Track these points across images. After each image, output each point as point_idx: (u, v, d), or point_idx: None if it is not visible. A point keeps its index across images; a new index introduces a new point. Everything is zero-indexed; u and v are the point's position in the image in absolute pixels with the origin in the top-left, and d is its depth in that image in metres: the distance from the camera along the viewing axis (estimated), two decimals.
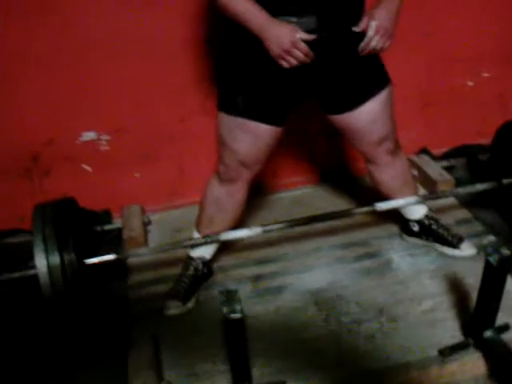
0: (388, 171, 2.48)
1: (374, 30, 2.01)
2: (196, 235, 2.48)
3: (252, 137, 2.22)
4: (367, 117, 2.27)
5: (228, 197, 2.39)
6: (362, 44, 2.04)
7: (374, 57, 2.20)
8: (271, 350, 2.17)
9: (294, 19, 1.96)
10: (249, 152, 2.26)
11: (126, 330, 2.31)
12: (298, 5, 1.96)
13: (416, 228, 2.66)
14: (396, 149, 2.44)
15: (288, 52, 1.93)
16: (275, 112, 2.21)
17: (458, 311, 2.26)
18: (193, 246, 2.48)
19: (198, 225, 2.50)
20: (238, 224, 2.49)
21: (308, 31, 1.96)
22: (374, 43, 2.03)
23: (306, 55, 1.95)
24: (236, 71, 2.19)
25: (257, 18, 1.93)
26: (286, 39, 1.91)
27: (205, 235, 2.42)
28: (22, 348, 2.29)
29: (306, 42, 1.95)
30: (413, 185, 2.61)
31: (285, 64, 1.96)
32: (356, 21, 2.08)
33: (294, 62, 1.95)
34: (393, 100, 2.33)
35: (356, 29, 2.03)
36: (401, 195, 2.50)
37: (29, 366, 2.23)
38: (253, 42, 1.97)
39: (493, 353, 2.01)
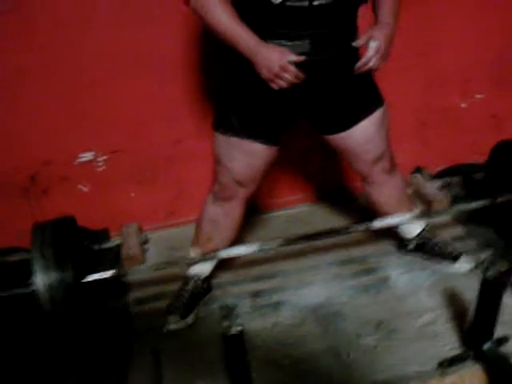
0: (384, 190, 2.50)
1: (373, 51, 2.04)
2: (193, 253, 2.49)
3: (247, 156, 2.23)
4: (361, 137, 2.29)
5: (224, 216, 2.40)
6: (360, 63, 2.07)
7: (367, 77, 2.24)
8: (269, 366, 2.17)
9: (288, 43, 1.99)
10: (244, 171, 2.28)
11: (127, 346, 2.31)
12: (292, 29, 1.99)
13: (412, 245, 2.68)
14: (391, 167, 2.46)
15: (277, 75, 1.95)
16: (270, 131, 2.23)
17: (456, 324, 2.27)
18: (192, 264, 2.49)
19: (194, 243, 2.51)
20: (236, 242, 2.49)
21: (301, 54, 1.98)
22: (371, 64, 2.06)
23: (295, 77, 1.97)
24: (231, 91, 2.22)
25: (246, 42, 1.95)
26: (275, 63, 1.93)
27: (203, 253, 2.44)
28: (21, 366, 2.29)
29: (298, 63, 1.97)
30: (408, 203, 2.62)
31: (275, 86, 1.98)
32: (349, 44, 2.11)
33: (283, 84, 1.97)
34: (387, 119, 2.35)
35: (355, 44, 2.06)
36: (397, 213, 2.52)
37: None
38: (246, 62, 1.99)
39: (492, 365, 2.01)
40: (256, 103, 2.15)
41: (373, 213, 2.58)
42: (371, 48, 2.04)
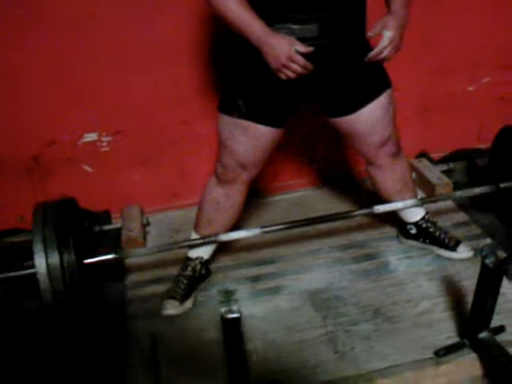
0: (388, 173, 2.49)
1: (387, 41, 2.02)
2: (194, 236, 2.50)
3: (252, 139, 2.23)
4: (368, 119, 2.29)
5: (226, 198, 2.40)
6: (373, 53, 2.05)
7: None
8: (268, 350, 2.18)
9: (296, 26, 1.98)
10: (248, 153, 2.27)
11: (124, 330, 2.32)
12: (301, 13, 1.97)
13: (413, 231, 2.68)
14: (397, 151, 2.45)
15: (285, 66, 1.94)
16: (276, 114, 2.23)
17: (453, 313, 2.28)
18: (191, 247, 2.49)
19: (196, 226, 2.51)
20: (237, 225, 2.50)
21: (310, 38, 1.98)
22: (384, 53, 2.05)
23: (303, 67, 1.96)
24: (238, 74, 2.21)
25: (255, 31, 1.94)
26: (283, 53, 1.93)
27: (203, 236, 2.44)
28: (20, 347, 2.30)
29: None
30: (412, 187, 2.62)
31: (282, 76, 1.98)
32: (358, 28, 2.11)
33: (291, 74, 1.97)
34: (394, 103, 2.35)
35: (370, 34, 2.05)
36: (400, 198, 2.52)
37: (28, 364, 2.23)
38: (253, 47, 1.98)
39: (488, 354, 2.02)
40: (263, 87, 2.14)
41: (376, 196, 2.58)
42: (385, 38, 2.03)
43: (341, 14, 2.02)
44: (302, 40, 1.97)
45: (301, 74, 1.97)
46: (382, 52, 2.04)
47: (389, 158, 2.44)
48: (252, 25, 1.94)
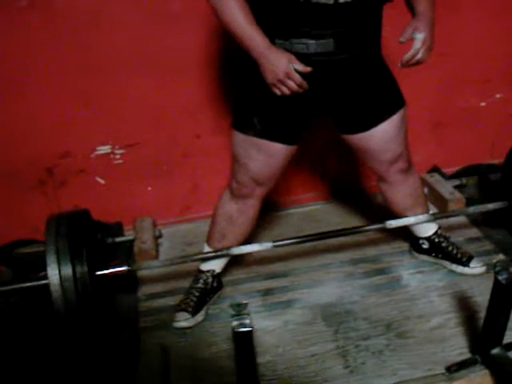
0: (400, 189, 2.49)
1: (420, 42, 2.02)
2: (206, 249, 2.50)
3: (266, 156, 2.24)
4: (381, 137, 2.29)
5: (240, 213, 2.40)
6: (408, 56, 2.03)
7: (390, 77, 2.24)
8: (279, 364, 2.18)
9: (312, 41, 1.98)
10: (262, 170, 2.28)
11: (136, 342, 2.32)
12: (316, 28, 1.97)
13: (426, 245, 2.67)
14: (408, 167, 2.45)
15: (281, 81, 1.94)
16: (291, 131, 2.24)
17: (465, 328, 2.27)
18: (204, 260, 2.50)
19: (209, 239, 2.51)
20: (249, 238, 2.50)
21: (326, 53, 1.99)
22: (419, 56, 2.04)
23: (299, 86, 1.95)
24: (252, 91, 2.21)
25: (256, 44, 1.94)
26: (281, 69, 1.92)
27: (216, 249, 2.45)
28: (32, 356, 2.30)
29: (317, 66, 1.97)
30: (424, 203, 2.61)
31: (277, 91, 1.98)
32: (374, 44, 2.13)
33: (286, 91, 1.96)
34: (407, 120, 2.35)
35: (402, 39, 2.04)
36: (412, 213, 2.51)
37: (40, 374, 2.23)
38: None
39: (500, 370, 2.00)
40: (277, 104, 2.12)
41: (388, 212, 2.58)
42: (418, 40, 2.02)
43: (356, 29, 2.02)
44: (318, 55, 1.98)
45: (295, 92, 1.96)
46: (416, 54, 2.03)
47: (400, 175, 2.44)
48: (254, 38, 1.94)
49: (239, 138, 2.26)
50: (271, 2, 1.97)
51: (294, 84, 1.94)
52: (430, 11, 2.10)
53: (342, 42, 2.00)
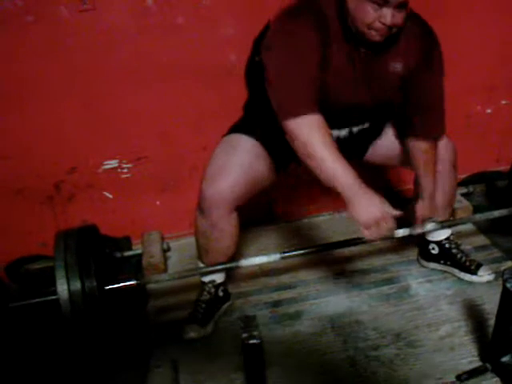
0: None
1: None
2: (200, 264, 2.49)
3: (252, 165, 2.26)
4: (383, 146, 2.38)
5: (212, 228, 2.32)
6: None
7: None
8: (289, 376, 2.17)
9: (335, 132, 2.14)
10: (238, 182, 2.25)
11: (145, 355, 2.32)
12: (335, 120, 2.06)
13: (435, 251, 2.67)
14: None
15: (377, 223, 1.92)
16: (285, 157, 2.29)
17: (475, 336, 2.27)
18: (210, 273, 2.48)
19: (198, 255, 2.50)
20: (257, 250, 2.49)
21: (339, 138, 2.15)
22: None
23: (389, 230, 1.97)
24: (258, 111, 2.28)
25: (349, 183, 1.92)
26: (378, 210, 1.92)
27: (206, 265, 2.45)
28: (42, 375, 2.31)
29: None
30: (452, 204, 2.67)
31: (367, 234, 1.96)
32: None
33: (376, 234, 1.95)
34: None
35: (413, 233, 2.32)
36: (442, 211, 2.53)
37: None
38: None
39: (511, 378, 2.00)
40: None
41: (396, 220, 2.57)
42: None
43: (370, 121, 2.19)
44: None
45: (384, 237, 1.99)
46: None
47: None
48: (347, 177, 1.93)
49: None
50: None
51: (386, 228, 1.95)
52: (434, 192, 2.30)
53: (357, 129, 2.24)
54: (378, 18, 1.91)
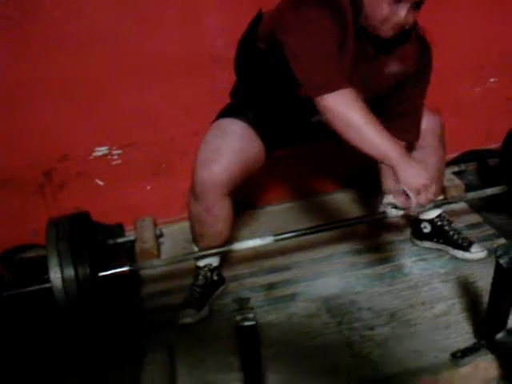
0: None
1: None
2: (195, 248, 2.48)
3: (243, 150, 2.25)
4: None
5: (206, 213, 2.31)
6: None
7: None
8: (284, 357, 2.18)
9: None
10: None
11: (141, 341, 2.32)
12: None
13: (427, 229, 2.68)
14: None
15: (426, 188, 1.94)
16: (277, 139, 2.29)
17: (470, 314, 2.27)
18: (205, 257, 2.48)
19: (192, 239, 2.49)
20: (250, 233, 2.49)
21: None
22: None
23: (434, 195, 2.00)
24: (251, 95, 2.29)
25: (395, 152, 1.91)
26: (426, 177, 1.93)
27: (201, 249, 2.44)
28: (34, 362, 2.31)
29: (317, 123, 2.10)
30: (442, 181, 2.67)
31: (422, 199, 1.95)
32: None
33: (425, 199, 1.95)
34: None
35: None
36: None
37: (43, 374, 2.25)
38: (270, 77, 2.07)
39: (506, 355, 2.01)
40: (275, 113, 2.17)
41: None
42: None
43: None
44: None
45: (426, 202, 1.98)
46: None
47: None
48: (393, 145, 1.91)
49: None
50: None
51: (432, 193, 1.97)
52: None
53: None
54: (393, 14, 1.92)
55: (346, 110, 1.88)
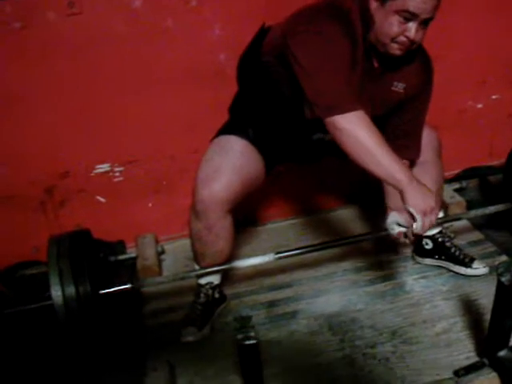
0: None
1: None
2: (196, 267, 2.47)
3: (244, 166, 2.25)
4: None
5: (207, 231, 2.31)
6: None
7: None
8: (286, 375, 2.17)
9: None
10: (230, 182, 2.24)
11: (142, 358, 2.31)
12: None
13: (429, 246, 2.67)
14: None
15: (432, 209, 1.96)
16: (277, 156, 2.30)
17: (471, 332, 2.26)
18: (206, 275, 2.47)
19: (194, 258, 2.48)
20: (251, 250, 2.49)
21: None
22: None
23: (432, 223, 2.00)
24: (251, 110, 2.30)
25: (403, 175, 1.92)
26: (433, 200, 1.96)
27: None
28: (36, 380, 2.31)
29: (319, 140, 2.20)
30: (442, 198, 2.66)
31: (427, 222, 1.97)
32: None
33: (430, 221, 1.97)
34: None
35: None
36: None
37: None
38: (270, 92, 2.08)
39: (508, 373, 2.00)
40: (275, 130, 2.18)
41: None
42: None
43: None
44: None
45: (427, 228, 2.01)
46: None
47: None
48: (401, 168, 1.93)
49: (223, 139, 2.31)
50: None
51: (437, 214, 2.01)
52: None
53: None
54: (402, 32, 1.94)
55: (357, 132, 1.89)
